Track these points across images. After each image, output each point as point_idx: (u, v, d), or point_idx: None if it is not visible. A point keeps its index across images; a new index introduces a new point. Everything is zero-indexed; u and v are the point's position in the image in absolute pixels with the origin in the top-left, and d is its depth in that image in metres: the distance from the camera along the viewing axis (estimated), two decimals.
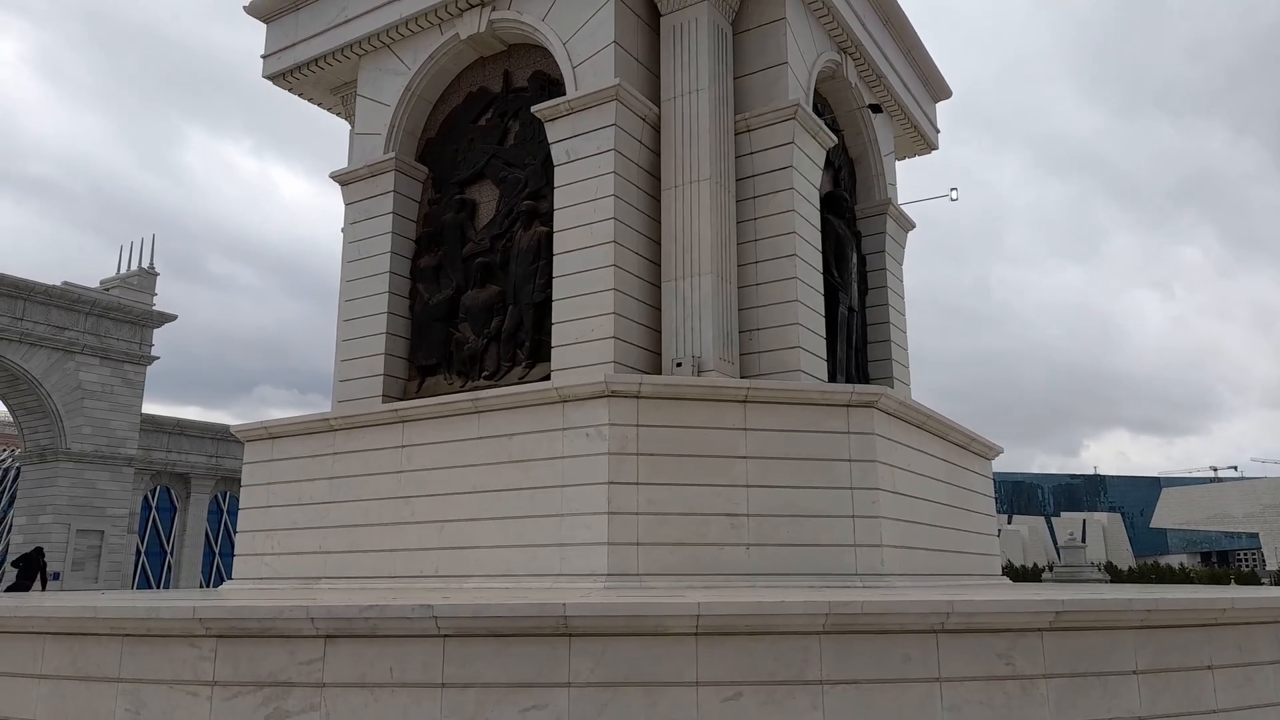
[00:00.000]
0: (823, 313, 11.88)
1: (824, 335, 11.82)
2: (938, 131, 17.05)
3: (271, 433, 12.25)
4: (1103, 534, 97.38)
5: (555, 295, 11.02)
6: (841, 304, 12.84)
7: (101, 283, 44.32)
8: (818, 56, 12.70)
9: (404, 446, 10.91)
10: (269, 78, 14.54)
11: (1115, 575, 43.69)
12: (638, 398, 9.57)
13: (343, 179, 13.42)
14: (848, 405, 9.89)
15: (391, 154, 12.91)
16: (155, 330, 44.23)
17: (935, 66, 16.24)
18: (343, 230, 13.67)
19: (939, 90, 16.91)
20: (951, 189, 14.36)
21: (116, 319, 42.45)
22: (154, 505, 46.97)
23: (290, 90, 14.81)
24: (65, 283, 41.87)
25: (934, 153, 17.02)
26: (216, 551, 48.62)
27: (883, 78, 14.40)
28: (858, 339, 13.65)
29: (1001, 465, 15.82)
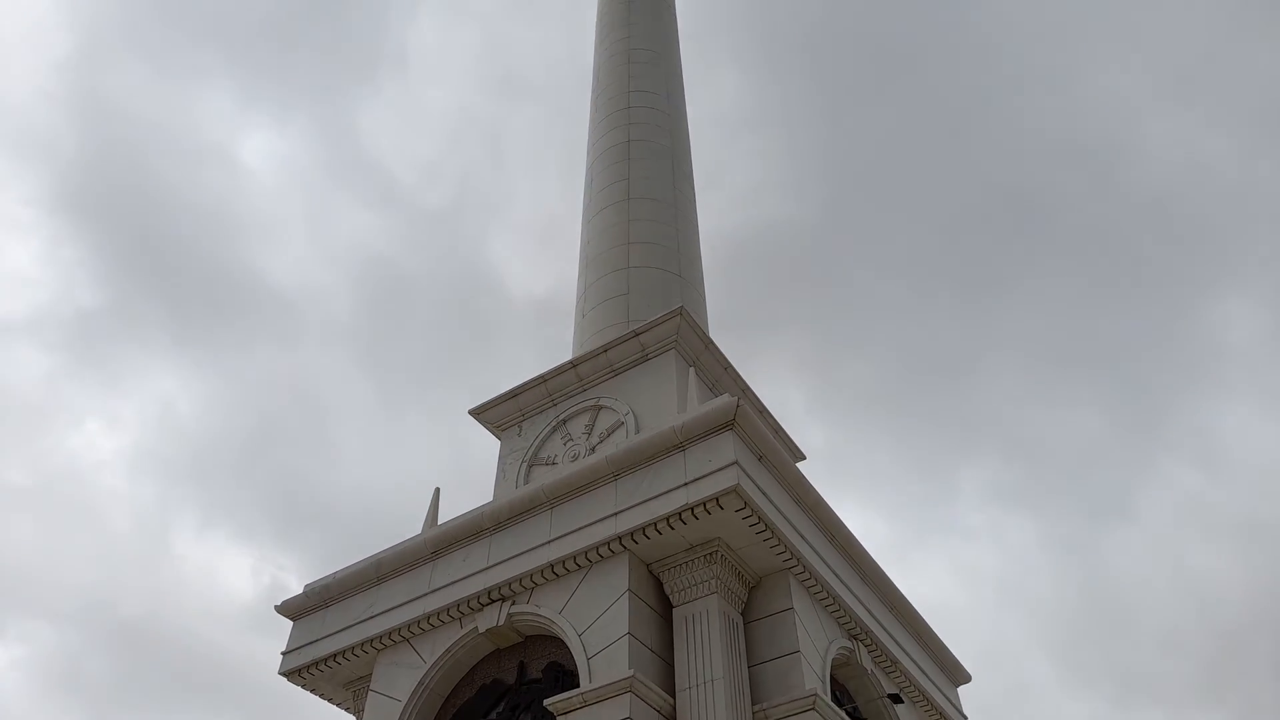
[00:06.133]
0: None
1: None
2: (964, 718, 16.38)
3: None
4: None
5: None
6: None
7: None
8: (829, 644, 12.85)
9: None
10: (285, 674, 14.59)
11: None
12: None
13: None
14: None
15: None
16: None
17: (949, 651, 16.27)
18: None
19: (957, 674, 16.68)
20: None
21: None
22: None
23: (303, 686, 14.73)
24: None
25: None
26: None
27: (897, 663, 14.36)
28: None
29: None
